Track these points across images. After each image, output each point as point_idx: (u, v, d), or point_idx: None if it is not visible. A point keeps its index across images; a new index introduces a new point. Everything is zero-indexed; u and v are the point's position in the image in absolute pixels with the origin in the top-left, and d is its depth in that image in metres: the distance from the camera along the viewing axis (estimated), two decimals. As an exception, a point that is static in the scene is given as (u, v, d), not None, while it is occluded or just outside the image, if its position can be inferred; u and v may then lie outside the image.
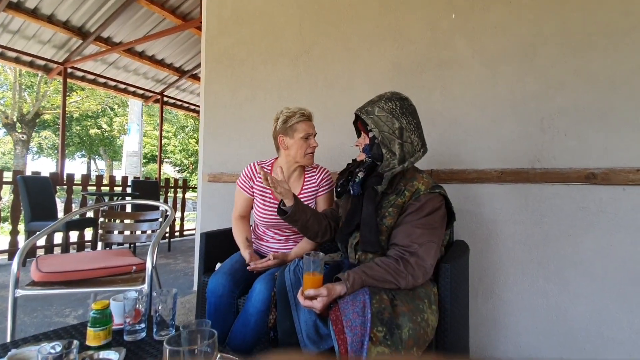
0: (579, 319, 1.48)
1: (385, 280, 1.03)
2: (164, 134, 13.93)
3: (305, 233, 1.33)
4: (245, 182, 1.55)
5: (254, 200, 1.55)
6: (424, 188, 1.13)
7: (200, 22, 2.74)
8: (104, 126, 14.83)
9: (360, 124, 1.24)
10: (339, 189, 1.29)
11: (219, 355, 0.71)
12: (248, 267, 1.38)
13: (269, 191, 1.51)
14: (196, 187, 2.89)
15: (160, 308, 1.04)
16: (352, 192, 1.20)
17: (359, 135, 1.30)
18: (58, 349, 0.75)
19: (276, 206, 1.48)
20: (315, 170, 1.54)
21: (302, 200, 1.48)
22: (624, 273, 1.41)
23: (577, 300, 1.48)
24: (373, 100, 1.19)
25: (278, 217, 1.47)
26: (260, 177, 1.54)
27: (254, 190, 1.54)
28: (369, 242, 1.12)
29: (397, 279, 1.03)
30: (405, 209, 1.13)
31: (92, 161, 17.07)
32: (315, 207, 1.52)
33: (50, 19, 3.96)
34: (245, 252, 1.42)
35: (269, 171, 1.55)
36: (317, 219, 1.31)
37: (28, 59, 4.59)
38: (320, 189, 1.52)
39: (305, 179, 1.53)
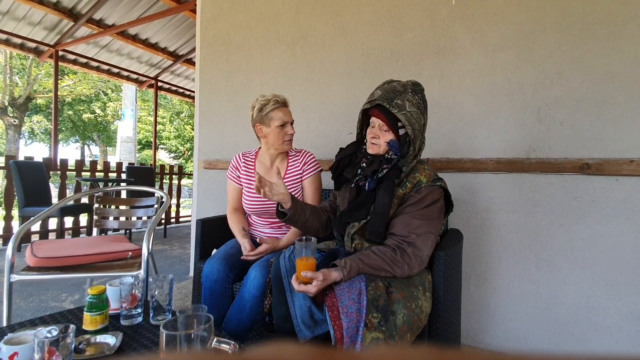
0: (568, 306, 1.51)
1: (382, 268, 1.04)
2: (158, 119, 13.77)
3: (306, 232, 1.30)
4: (232, 172, 1.58)
5: (242, 189, 1.56)
6: (425, 180, 1.13)
7: (195, 5, 2.68)
8: (98, 111, 14.60)
9: (380, 115, 1.13)
10: (352, 185, 1.21)
11: (215, 340, 0.72)
12: (242, 257, 1.39)
13: (254, 178, 1.51)
14: (192, 174, 2.87)
15: (156, 293, 1.05)
16: (367, 187, 1.16)
17: (362, 124, 1.24)
18: (55, 332, 0.76)
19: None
20: (298, 154, 1.54)
21: (287, 184, 1.48)
22: (613, 262, 1.44)
23: (566, 288, 1.52)
24: (398, 90, 1.10)
25: (265, 204, 1.48)
26: (244, 167, 1.55)
27: (241, 179, 1.56)
28: (376, 232, 1.11)
29: (393, 268, 1.04)
30: (406, 200, 1.13)
31: (86, 147, 16.87)
32: (302, 191, 1.52)
33: (41, 0, 3.84)
34: (243, 241, 1.43)
35: (252, 161, 1.56)
36: (316, 216, 1.28)
37: (18, 41, 4.47)
38: (305, 173, 1.52)
39: (289, 164, 1.53)
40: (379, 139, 1.15)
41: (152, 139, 8.38)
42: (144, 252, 1.49)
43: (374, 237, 1.11)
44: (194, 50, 5.16)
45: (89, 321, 0.97)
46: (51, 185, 3.75)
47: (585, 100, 1.48)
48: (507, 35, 1.62)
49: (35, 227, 3.82)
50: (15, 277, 1.38)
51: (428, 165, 1.20)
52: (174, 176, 5.40)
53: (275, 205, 1.48)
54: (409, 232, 1.07)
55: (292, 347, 0.11)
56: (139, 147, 14.96)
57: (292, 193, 1.48)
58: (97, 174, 4.38)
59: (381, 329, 0.94)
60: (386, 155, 1.16)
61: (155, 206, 1.96)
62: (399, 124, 1.11)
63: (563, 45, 1.52)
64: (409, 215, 1.10)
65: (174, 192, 5.35)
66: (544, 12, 1.55)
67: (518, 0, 1.60)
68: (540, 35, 1.56)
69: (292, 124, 1.47)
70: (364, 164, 1.19)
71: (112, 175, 4.65)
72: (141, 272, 1.47)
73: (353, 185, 1.21)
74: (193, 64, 5.66)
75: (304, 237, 1.04)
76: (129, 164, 6.68)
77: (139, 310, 1.07)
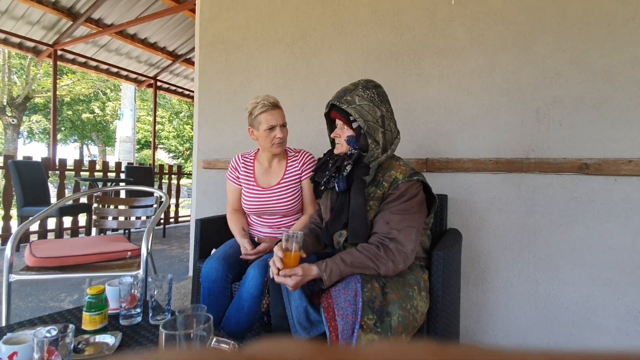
0: (566, 306, 1.52)
1: (366, 266, 1.03)
2: (157, 119, 13.76)
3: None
4: (231, 173, 1.58)
5: (242, 189, 1.56)
6: (401, 177, 1.12)
7: (194, 4, 2.68)
8: (97, 111, 14.58)
9: (337, 115, 1.17)
10: (321, 187, 1.24)
11: (214, 339, 0.72)
12: (241, 257, 1.40)
13: (253, 178, 1.53)
14: (191, 174, 2.87)
15: (155, 293, 1.05)
16: (337, 188, 1.17)
17: (330, 127, 1.27)
18: (54, 332, 0.76)
19: (259, 192, 1.49)
20: (297, 154, 1.54)
21: (286, 185, 1.48)
22: (612, 262, 1.44)
23: (565, 288, 1.52)
24: (348, 89, 1.14)
25: (264, 204, 1.48)
26: (244, 168, 1.55)
27: (240, 179, 1.56)
28: (359, 233, 1.10)
29: (377, 265, 1.03)
30: (385, 198, 1.13)
31: (84, 146, 16.84)
32: (300, 191, 1.52)
33: (39, -1, 3.83)
34: (242, 241, 1.43)
35: (252, 162, 1.56)
36: (316, 241, 1.26)
37: (17, 40, 4.46)
38: (304, 173, 1.52)
39: (288, 164, 1.53)
40: (341, 138, 1.18)
41: (151, 139, 8.37)
42: (143, 251, 1.49)
43: (357, 239, 1.10)
44: (193, 49, 5.16)
45: (88, 321, 0.97)
46: (50, 185, 3.75)
47: (584, 100, 1.48)
48: (507, 36, 1.62)
49: (34, 227, 3.81)
50: (14, 277, 1.38)
51: (404, 161, 1.20)
52: (173, 176, 5.39)
53: (275, 205, 1.49)
54: (390, 228, 1.07)
55: (291, 343, 0.11)
56: (138, 146, 14.95)
57: (291, 194, 1.49)
58: (96, 173, 4.37)
59: (376, 330, 0.94)
60: (348, 152, 1.18)
61: (155, 206, 1.96)
62: (351, 118, 1.13)
63: (562, 46, 1.52)
64: (388, 212, 1.09)
65: (173, 192, 5.35)
66: (543, 12, 1.55)
67: (517, 1, 1.60)
68: (539, 35, 1.56)
69: (283, 126, 1.44)
70: (330, 165, 1.22)
71: (111, 175, 4.65)
72: (140, 272, 1.47)
73: (323, 188, 1.23)
74: (192, 63, 5.66)
75: (290, 231, 1.04)
76: (128, 163, 6.66)
77: (138, 310, 1.07)
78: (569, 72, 1.51)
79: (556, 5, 1.53)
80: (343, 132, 1.17)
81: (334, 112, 1.18)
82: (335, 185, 1.17)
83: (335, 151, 1.22)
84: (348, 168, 1.15)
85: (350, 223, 1.12)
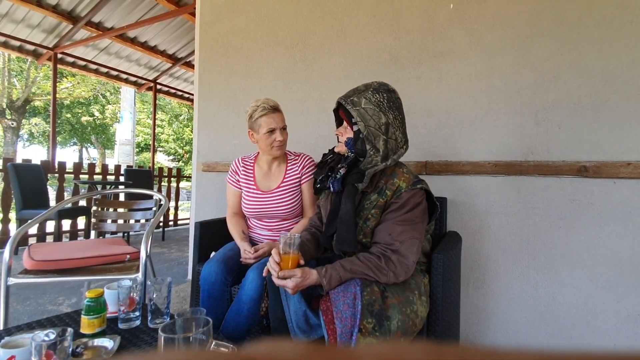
0: (566, 308, 1.51)
1: (365, 274, 1.02)
2: (157, 122, 13.79)
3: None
4: (232, 176, 1.58)
5: (242, 193, 1.56)
6: (405, 185, 1.10)
7: (194, 8, 2.69)
8: (96, 114, 14.59)
9: (342, 113, 1.16)
10: (318, 185, 1.23)
11: (213, 342, 0.72)
12: (241, 260, 1.39)
13: (253, 182, 1.53)
14: (190, 177, 2.87)
15: (154, 296, 1.05)
16: (332, 189, 1.15)
17: (338, 123, 1.25)
18: (52, 336, 0.75)
19: (259, 196, 1.49)
20: (297, 158, 1.54)
21: (285, 188, 1.48)
22: (611, 264, 1.44)
23: (565, 290, 1.52)
24: (359, 89, 1.11)
25: (264, 207, 1.48)
26: (244, 171, 1.55)
27: (240, 183, 1.56)
28: (345, 241, 1.07)
29: (377, 275, 1.02)
30: (387, 207, 1.11)
31: (84, 149, 16.84)
32: (300, 195, 1.52)
33: (40, 2, 3.84)
34: (243, 244, 1.43)
35: (252, 165, 1.56)
36: (316, 246, 1.25)
37: (17, 43, 4.47)
38: (304, 176, 1.52)
39: (288, 168, 1.53)
40: (342, 137, 1.17)
41: (150, 142, 8.38)
42: (142, 254, 1.49)
43: (344, 246, 1.07)
44: (193, 53, 5.17)
45: (87, 324, 0.97)
46: (49, 188, 3.74)
47: (583, 103, 1.49)
48: (505, 39, 1.63)
49: (33, 230, 3.80)
50: (12, 280, 1.38)
51: (407, 168, 1.17)
52: (172, 179, 5.39)
53: (274, 209, 1.49)
54: (393, 239, 1.05)
55: (289, 345, 0.11)
56: (137, 149, 14.95)
57: (291, 197, 1.49)
58: (95, 176, 4.37)
59: (375, 334, 0.93)
60: (345, 154, 1.17)
61: (154, 209, 1.96)
62: (353, 120, 1.11)
63: (560, 49, 1.53)
64: (391, 222, 1.07)
65: (173, 195, 5.34)
66: (541, 16, 1.56)
67: (515, 4, 1.61)
68: (537, 38, 1.57)
69: (283, 129, 1.44)
70: (326, 163, 1.21)
71: (110, 178, 4.64)
72: (139, 275, 1.47)
73: (319, 186, 1.22)
74: (192, 66, 5.67)
75: (288, 234, 1.04)
76: (127, 166, 6.67)
77: (137, 313, 1.07)
78: (567, 75, 1.51)
79: (554, 9, 1.54)
80: (345, 132, 1.16)
81: (341, 110, 1.17)
82: (331, 185, 1.15)
83: (336, 149, 1.21)
84: (342, 171, 1.14)
85: (338, 229, 1.09)
